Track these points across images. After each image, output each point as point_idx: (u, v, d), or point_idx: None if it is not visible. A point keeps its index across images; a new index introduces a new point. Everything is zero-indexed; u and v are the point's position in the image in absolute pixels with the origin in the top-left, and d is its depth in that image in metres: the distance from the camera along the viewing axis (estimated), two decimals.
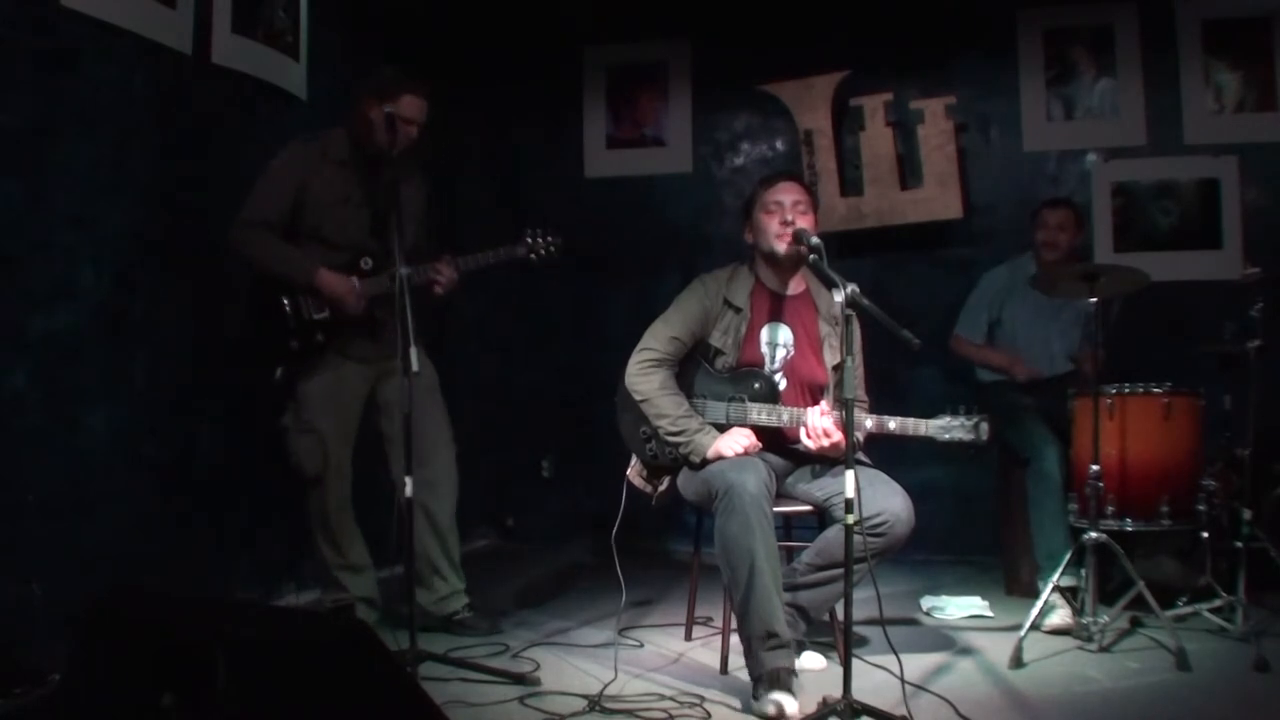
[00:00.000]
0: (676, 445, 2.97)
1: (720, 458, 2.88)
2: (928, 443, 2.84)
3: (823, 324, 3.12)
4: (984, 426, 2.80)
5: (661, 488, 3.12)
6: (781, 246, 2.99)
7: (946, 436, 2.81)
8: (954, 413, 2.82)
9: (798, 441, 2.97)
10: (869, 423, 2.87)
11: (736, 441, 2.91)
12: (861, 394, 3.14)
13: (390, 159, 3.16)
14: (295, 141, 3.28)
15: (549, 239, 3.37)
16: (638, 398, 3.02)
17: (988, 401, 3.79)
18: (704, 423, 2.97)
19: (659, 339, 3.05)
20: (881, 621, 2.66)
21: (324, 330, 3.26)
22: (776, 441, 3.05)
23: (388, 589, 3.49)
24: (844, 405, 2.49)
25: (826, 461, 3.00)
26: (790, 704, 2.57)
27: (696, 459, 2.93)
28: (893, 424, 2.85)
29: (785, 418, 2.95)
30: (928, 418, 2.84)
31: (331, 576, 3.39)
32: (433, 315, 3.54)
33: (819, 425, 2.86)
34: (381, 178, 3.25)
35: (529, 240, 3.36)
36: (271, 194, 3.21)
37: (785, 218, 2.98)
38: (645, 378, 3.02)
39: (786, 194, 3.00)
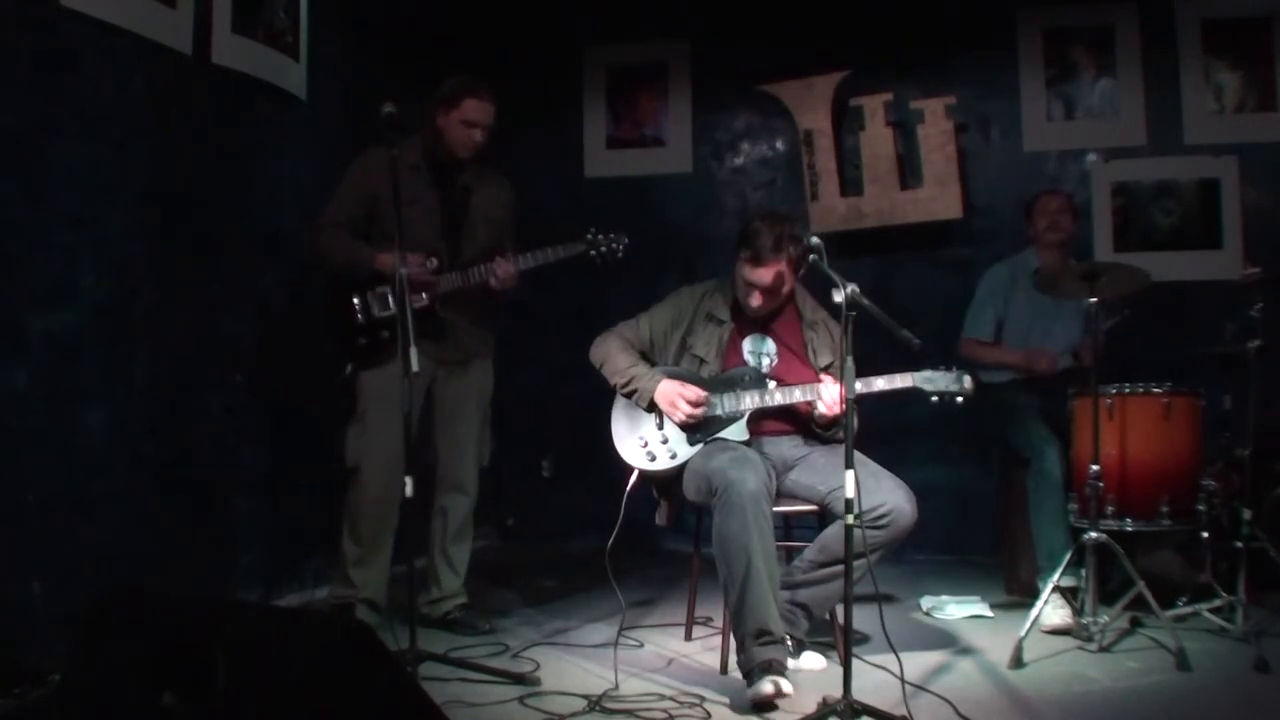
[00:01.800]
0: (631, 396, 3.11)
1: (671, 406, 3.00)
2: (915, 395, 2.88)
3: (806, 330, 3.18)
4: (966, 378, 2.87)
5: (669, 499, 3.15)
6: (752, 313, 3.12)
7: (931, 387, 2.86)
8: (934, 368, 2.89)
9: (809, 417, 3.06)
10: (858, 385, 2.88)
11: (677, 393, 3.00)
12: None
13: (394, 161, 3.16)
14: (372, 147, 3.35)
15: (611, 237, 3.42)
16: (596, 363, 3.19)
17: (989, 402, 3.79)
18: (654, 372, 3.10)
19: (622, 324, 3.26)
20: (881, 617, 2.66)
21: (389, 328, 3.31)
22: (780, 420, 3.09)
23: (386, 588, 3.48)
24: (845, 406, 2.50)
25: (830, 442, 3.06)
26: (786, 685, 2.58)
27: (643, 404, 3.08)
28: (880, 382, 2.91)
29: (780, 397, 3.01)
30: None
31: (342, 572, 3.38)
32: (499, 313, 3.63)
33: (835, 394, 2.92)
34: (455, 182, 3.41)
35: (590, 237, 3.40)
36: (345, 198, 3.38)
37: (757, 302, 3.06)
38: (601, 343, 3.21)
39: (761, 278, 3.02)
